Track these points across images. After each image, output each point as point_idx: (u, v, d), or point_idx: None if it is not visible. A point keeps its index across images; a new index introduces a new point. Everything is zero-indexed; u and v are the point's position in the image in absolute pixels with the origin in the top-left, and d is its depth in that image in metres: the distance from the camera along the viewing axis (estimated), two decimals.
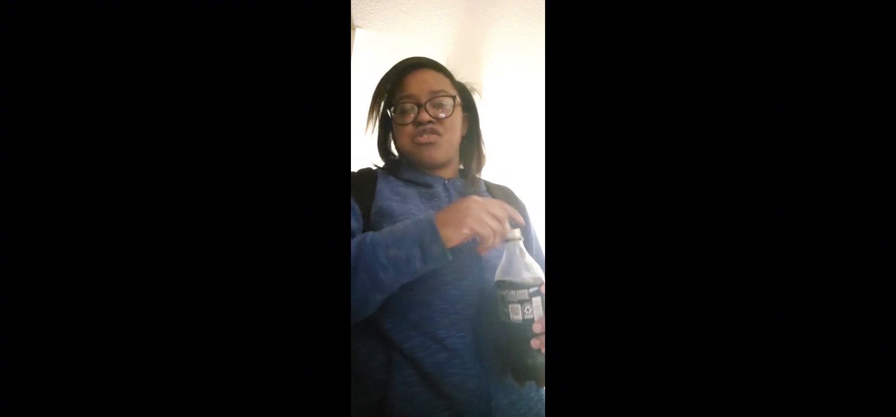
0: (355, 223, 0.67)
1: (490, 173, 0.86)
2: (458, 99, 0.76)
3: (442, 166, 0.76)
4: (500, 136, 2.18)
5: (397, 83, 0.75)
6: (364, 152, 0.82)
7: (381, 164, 0.80)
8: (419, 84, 0.73)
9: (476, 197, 0.59)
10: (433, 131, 0.72)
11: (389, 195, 0.71)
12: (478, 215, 0.57)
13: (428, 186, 0.74)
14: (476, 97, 0.83)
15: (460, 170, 0.83)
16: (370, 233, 0.60)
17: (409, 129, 0.73)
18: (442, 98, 0.73)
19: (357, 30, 1.61)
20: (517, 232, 0.60)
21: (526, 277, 0.58)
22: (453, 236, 0.57)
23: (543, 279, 0.60)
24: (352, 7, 1.50)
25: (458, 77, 0.81)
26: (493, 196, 0.80)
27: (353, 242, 0.59)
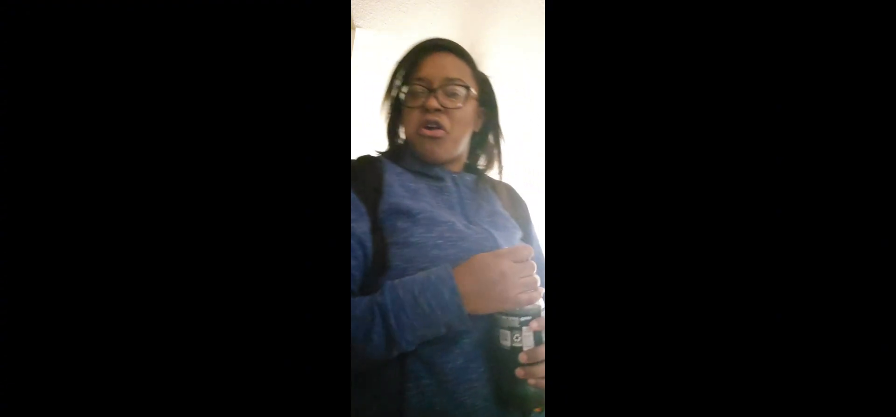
0: (363, 226, 0.62)
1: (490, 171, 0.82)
2: (472, 91, 0.71)
3: (445, 164, 0.73)
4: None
5: (415, 63, 0.70)
6: (364, 150, 0.80)
7: (382, 149, 0.76)
8: (435, 68, 0.69)
9: (507, 259, 0.57)
10: (438, 125, 0.68)
11: (401, 192, 0.66)
12: (503, 292, 0.56)
13: (438, 179, 0.71)
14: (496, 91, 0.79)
15: (466, 164, 0.79)
16: (390, 302, 0.55)
17: (416, 115, 0.69)
18: (456, 87, 0.68)
19: (357, 30, 1.61)
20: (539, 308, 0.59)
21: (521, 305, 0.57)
22: (482, 309, 0.57)
23: (542, 307, 0.59)
24: (352, 7, 1.50)
25: (482, 68, 0.76)
26: (497, 194, 0.78)
27: (372, 302, 0.56)
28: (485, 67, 0.79)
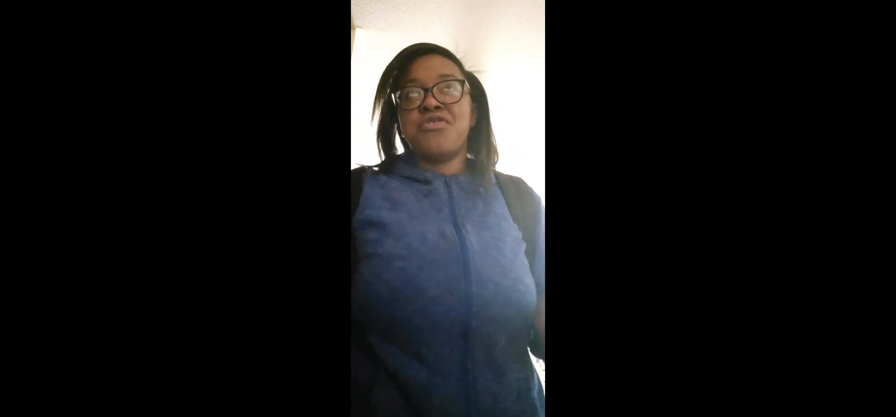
0: None
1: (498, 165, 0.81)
2: (466, 85, 0.72)
3: (450, 155, 0.72)
4: (500, 136, 2.18)
5: (403, 68, 0.71)
6: (364, 151, 0.79)
7: (371, 163, 0.76)
8: (426, 69, 0.70)
9: None
10: (441, 118, 0.69)
11: (380, 203, 0.66)
12: None
13: (426, 182, 0.70)
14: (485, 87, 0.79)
15: (468, 161, 0.77)
16: None
17: (415, 115, 0.69)
18: (450, 83, 0.69)
19: (357, 30, 1.61)
20: None
21: None
22: None
23: None
24: (352, 7, 1.50)
25: (468, 66, 0.77)
26: (504, 189, 0.76)
27: None
28: (475, 67, 0.79)
